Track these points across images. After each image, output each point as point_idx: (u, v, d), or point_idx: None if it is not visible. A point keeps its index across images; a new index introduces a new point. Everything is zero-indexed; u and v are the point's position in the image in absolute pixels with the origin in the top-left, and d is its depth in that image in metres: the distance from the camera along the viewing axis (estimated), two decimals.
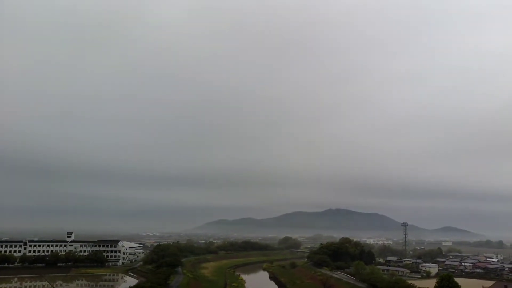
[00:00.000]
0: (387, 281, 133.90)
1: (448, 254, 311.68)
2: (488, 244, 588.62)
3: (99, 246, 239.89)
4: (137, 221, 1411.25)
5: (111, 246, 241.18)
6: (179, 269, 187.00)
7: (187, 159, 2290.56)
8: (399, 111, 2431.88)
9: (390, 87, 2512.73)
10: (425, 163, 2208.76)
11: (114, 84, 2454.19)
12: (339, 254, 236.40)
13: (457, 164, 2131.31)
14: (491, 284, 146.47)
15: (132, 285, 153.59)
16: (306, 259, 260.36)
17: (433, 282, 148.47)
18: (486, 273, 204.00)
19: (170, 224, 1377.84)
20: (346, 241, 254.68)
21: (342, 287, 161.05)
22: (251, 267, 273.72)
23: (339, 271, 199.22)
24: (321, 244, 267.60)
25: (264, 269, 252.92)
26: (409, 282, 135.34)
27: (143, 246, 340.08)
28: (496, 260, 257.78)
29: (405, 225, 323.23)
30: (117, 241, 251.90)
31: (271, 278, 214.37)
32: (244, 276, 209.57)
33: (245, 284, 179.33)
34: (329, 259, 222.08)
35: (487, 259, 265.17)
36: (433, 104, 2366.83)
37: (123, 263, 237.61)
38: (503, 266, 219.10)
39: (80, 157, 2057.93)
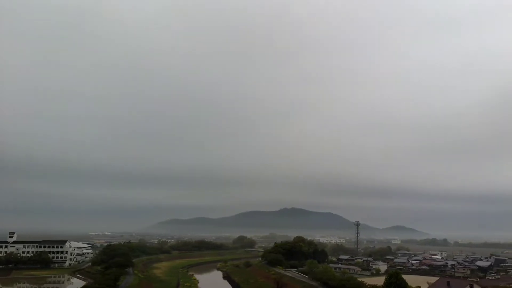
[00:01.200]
0: (338, 279, 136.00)
1: (397, 252, 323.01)
2: (433, 242, 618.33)
3: (44, 247, 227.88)
4: (87, 221, 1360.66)
5: (57, 247, 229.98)
6: (130, 269, 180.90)
7: (140, 157, 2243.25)
8: (356, 114, 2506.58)
9: (349, 89, 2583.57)
10: (379, 164, 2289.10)
11: (67, 79, 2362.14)
12: (293, 253, 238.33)
13: (408, 166, 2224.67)
14: (435, 280, 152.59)
15: (79, 287, 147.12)
16: (260, 258, 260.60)
17: (382, 279, 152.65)
18: (431, 270, 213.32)
19: (122, 223, 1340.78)
20: (300, 240, 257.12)
21: (295, 286, 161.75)
22: (205, 267, 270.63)
23: (292, 270, 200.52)
24: (276, 243, 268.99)
25: (218, 269, 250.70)
26: (360, 279, 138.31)
27: (92, 246, 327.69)
28: (440, 258, 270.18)
29: (357, 224, 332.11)
30: (64, 241, 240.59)
31: (224, 277, 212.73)
32: (197, 276, 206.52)
33: (198, 284, 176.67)
34: (283, 258, 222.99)
35: (433, 257, 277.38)
36: (389, 107, 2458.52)
37: (70, 264, 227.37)
38: (447, 263, 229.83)
39: (27, 152, 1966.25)
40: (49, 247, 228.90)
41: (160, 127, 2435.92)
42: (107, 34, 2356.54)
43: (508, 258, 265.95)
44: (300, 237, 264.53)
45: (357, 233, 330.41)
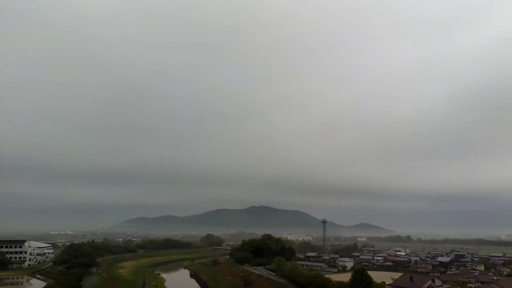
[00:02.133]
0: (306, 276, 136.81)
1: (363, 249, 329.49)
2: (397, 239, 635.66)
3: (2, 247, 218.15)
4: (48, 220, 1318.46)
5: (15, 247, 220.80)
6: (94, 269, 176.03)
7: (105, 154, 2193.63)
8: (323, 112, 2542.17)
9: (315, 89, 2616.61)
10: (345, 163, 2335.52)
11: (28, 72, 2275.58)
12: (261, 250, 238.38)
13: (374, 165, 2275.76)
14: (399, 276, 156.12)
15: None
16: (228, 257, 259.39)
17: (348, 275, 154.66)
18: (395, 266, 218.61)
19: (85, 222, 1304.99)
20: (268, 238, 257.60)
21: (262, 283, 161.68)
22: (172, 266, 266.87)
23: (260, 268, 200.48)
24: (244, 241, 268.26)
25: (185, 267, 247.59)
26: (327, 276, 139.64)
27: (54, 246, 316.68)
28: (404, 254, 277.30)
29: (324, 222, 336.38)
30: (23, 241, 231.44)
31: (192, 276, 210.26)
32: (164, 275, 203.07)
33: (165, 283, 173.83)
34: (251, 256, 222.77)
35: (397, 253, 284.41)
36: (355, 106, 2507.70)
37: (29, 264, 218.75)
38: (410, 259, 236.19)
39: None
40: (6, 247, 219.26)
41: (126, 124, 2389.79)
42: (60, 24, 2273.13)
43: (467, 254, 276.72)
44: (268, 235, 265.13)
45: (324, 231, 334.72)
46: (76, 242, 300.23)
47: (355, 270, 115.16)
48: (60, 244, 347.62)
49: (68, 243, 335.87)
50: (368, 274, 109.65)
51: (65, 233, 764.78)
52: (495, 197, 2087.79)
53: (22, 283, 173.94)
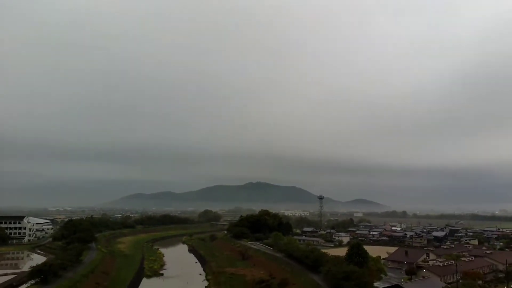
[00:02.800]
0: (302, 250, 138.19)
1: (359, 224, 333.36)
2: (393, 214, 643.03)
3: (1, 223, 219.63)
4: (46, 197, 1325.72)
5: (15, 223, 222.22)
6: (93, 244, 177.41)
7: (103, 132, 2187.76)
8: (321, 92, 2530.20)
9: (317, 70, 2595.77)
10: (342, 141, 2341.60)
11: (27, 53, 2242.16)
12: (258, 226, 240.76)
13: (371, 142, 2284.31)
14: (394, 250, 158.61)
15: (39, 263, 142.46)
16: (226, 232, 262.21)
17: (345, 250, 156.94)
18: (391, 240, 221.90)
19: (83, 199, 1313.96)
20: (265, 213, 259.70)
21: (260, 258, 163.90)
22: (170, 241, 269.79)
23: (258, 243, 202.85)
24: (241, 216, 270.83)
25: (183, 243, 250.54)
26: (323, 250, 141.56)
27: (53, 222, 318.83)
28: (399, 229, 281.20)
29: (320, 198, 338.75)
30: (22, 217, 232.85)
31: (190, 251, 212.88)
32: (162, 250, 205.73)
33: (164, 258, 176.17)
34: (248, 231, 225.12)
35: (392, 228, 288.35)
36: (352, 86, 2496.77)
37: (29, 240, 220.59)
38: (405, 234, 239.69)
39: None
40: (5, 223, 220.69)
41: (126, 105, 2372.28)
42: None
43: (462, 229, 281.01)
44: (265, 210, 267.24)
45: (321, 206, 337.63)
46: (74, 218, 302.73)
47: (351, 245, 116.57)
48: (59, 220, 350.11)
49: (66, 219, 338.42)
50: (364, 248, 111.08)
51: (64, 209, 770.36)
52: (491, 173, 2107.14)
53: (22, 258, 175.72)
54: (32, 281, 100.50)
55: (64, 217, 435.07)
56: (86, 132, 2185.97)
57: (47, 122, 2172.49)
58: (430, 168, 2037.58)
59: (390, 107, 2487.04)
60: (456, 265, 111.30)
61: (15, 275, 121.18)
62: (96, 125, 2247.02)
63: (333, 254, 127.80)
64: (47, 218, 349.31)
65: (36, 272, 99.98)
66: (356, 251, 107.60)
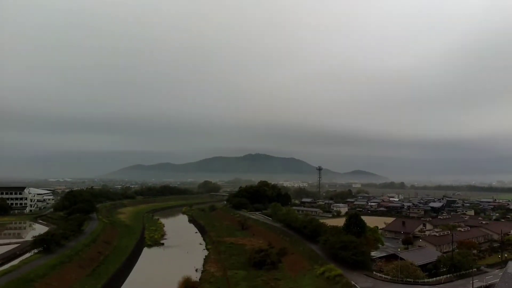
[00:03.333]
0: (300, 221, 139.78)
1: (357, 195, 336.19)
2: (392, 185, 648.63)
3: (2, 194, 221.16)
4: (47, 168, 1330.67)
5: (16, 193, 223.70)
6: (94, 215, 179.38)
7: (101, 103, 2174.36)
8: (320, 66, 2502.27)
9: (318, 41, 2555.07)
10: (342, 112, 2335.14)
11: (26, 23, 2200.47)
12: (258, 196, 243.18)
13: (370, 114, 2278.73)
14: (392, 220, 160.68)
15: (42, 233, 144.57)
16: (225, 202, 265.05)
17: (343, 220, 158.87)
18: (389, 211, 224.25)
19: (83, 170, 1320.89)
20: (264, 184, 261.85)
21: (259, 227, 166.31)
22: (170, 211, 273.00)
23: (257, 213, 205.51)
24: (241, 187, 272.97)
25: (183, 213, 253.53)
26: (321, 221, 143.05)
27: (54, 192, 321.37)
28: (397, 200, 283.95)
29: (319, 169, 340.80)
30: (23, 188, 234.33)
31: (190, 221, 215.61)
32: (163, 220, 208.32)
33: (164, 228, 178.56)
34: (247, 202, 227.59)
35: (390, 199, 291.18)
36: (354, 58, 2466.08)
37: (30, 210, 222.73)
38: (403, 205, 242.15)
39: None
40: (7, 193, 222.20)
41: (125, 78, 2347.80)
42: None
43: (459, 199, 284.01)
44: (264, 181, 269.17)
45: (319, 177, 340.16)
46: (75, 189, 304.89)
47: (349, 215, 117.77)
48: (59, 191, 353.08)
49: (67, 190, 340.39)
50: (361, 219, 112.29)
51: (64, 180, 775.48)
52: (488, 145, 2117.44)
53: (25, 228, 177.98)
54: (35, 250, 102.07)
55: (64, 188, 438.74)
56: (86, 104, 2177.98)
57: (47, 94, 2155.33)
58: (429, 140, 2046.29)
59: (390, 80, 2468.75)
60: (452, 235, 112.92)
61: (19, 244, 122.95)
62: (96, 97, 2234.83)
63: (331, 224, 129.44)
64: (48, 189, 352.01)
65: (39, 241, 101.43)
66: (354, 221, 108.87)
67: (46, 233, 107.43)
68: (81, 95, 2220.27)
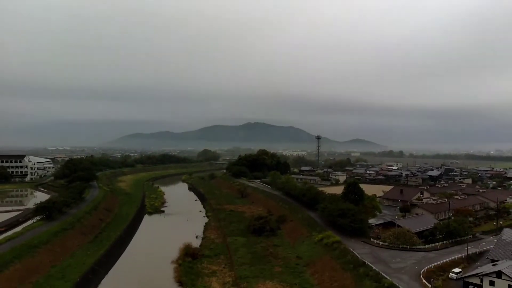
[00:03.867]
0: (299, 189, 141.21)
1: (356, 163, 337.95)
2: (390, 154, 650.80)
3: (2, 162, 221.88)
4: (46, 137, 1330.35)
5: (16, 161, 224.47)
6: (94, 183, 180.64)
7: (99, 71, 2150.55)
8: (320, 33, 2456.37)
9: (321, 8, 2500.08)
10: (341, 81, 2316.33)
11: None
12: (257, 165, 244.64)
13: (368, 83, 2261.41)
14: (390, 189, 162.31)
15: (43, 200, 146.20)
16: (225, 171, 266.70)
17: (341, 188, 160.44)
18: (387, 179, 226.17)
19: (83, 138, 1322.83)
20: (263, 152, 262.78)
21: (258, 195, 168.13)
22: (170, 180, 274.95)
23: (256, 181, 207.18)
24: (240, 156, 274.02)
25: (183, 181, 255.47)
26: (320, 189, 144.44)
27: (54, 161, 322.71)
28: (396, 168, 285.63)
29: (318, 138, 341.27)
30: (23, 156, 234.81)
31: (190, 189, 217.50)
32: (163, 188, 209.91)
33: (164, 196, 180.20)
34: (247, 170, 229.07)
35: (389, 167, 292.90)
36: (354, 26, 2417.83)
37: (31, 178, 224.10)
38: (401, 173, 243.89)
39: None
40: (7, 161, 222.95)
41: (125, 46, 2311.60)
42: None
43: (457, 168, 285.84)
44: (263, 150, 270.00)
45: (318, 146, 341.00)
46: (75, 157, 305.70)
47: (347, 183, 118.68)
48: (59, 159, 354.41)
49: (67, 159, 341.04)
50: (360, 187, 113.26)
51: (63, 148, 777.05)
52: (486, 114, 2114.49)
53: (26, 196, 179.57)
54: (38, 217, 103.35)
55: (64, 156, 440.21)
56: (87, 72, 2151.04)
57: (46, 62, 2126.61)
58: (427, 109, 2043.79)
59: (394, 49, 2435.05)
60: (449, 203, 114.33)
61: (21, 212, 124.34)
62: (95, 65, 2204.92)
63: (330, 192, 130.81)
64: (48, 157, 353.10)
65: (41, 208, 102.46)
66: (353, 190, 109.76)
67: (48, 201, 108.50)
68: (82, 63, 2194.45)
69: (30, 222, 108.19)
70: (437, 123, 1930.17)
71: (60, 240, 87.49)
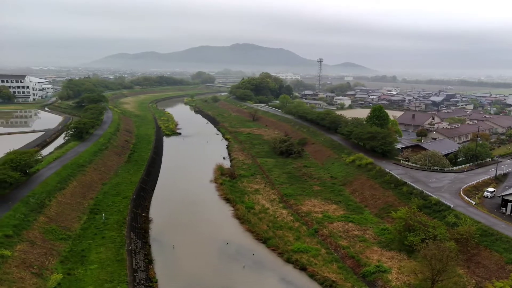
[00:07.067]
0: (317, 113, 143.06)
1: (355, 88, 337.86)
2: (383, 78, 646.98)
3: (3, 81, 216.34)
4: (26, 54, 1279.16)
5: (17, 81, 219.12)
6: (104, 105, 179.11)
7: None
8: None
9: None
10: None
11: None
12: (260, 88, 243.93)
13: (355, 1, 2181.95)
14: (401, 114, 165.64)
15: (61, 121, 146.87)
16: (227, 94, 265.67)
17: (347, 112, 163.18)
18: (390, 104, 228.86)
19: (65, 57, 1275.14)
20: (266, 76, 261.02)
21: (270, 119, 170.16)
22: (171, 101, 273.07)
23: (262, 105, 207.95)
24: (243, 78, 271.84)
25: (186, 103, 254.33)
26: None
27: (53, 81, 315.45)
28: (395, 93, 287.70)
29: (320, 61, 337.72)
30: (23, 76, 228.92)
31: (196, 112, 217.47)
32: (168, 110, 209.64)
33: (174, 118, 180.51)
34: (252, 94, 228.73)
35: (389, 92, 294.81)
36: None
37: (34, 99, 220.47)
38: (404, 98, 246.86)
39: None
40: (7, 81, 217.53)
41: None
42: None
43: (457, 94, 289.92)
44: (266, 73, 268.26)
45: (320, 70, 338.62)
46: (66, 78, 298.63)
47: (373, 107, 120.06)
48: (51, 80, 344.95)
49: (58, 79, 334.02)
50: (385, 111, 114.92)
51: (47, 68, 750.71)
52: (476, 38, 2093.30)
53: (30, 117, 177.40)
54: (68, 137, 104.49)
55: (54, 76, 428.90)
56: None
57: None
58: (419, 31, 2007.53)
59: None
60: (478, 127, 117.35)
61: (43, 132, 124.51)
62: None
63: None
64: (41, 77, 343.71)
65: (73, 129, 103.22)
66: (378, 114, 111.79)
67: (78, 122, 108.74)
68: None
69: (57, 142, 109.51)
70: (426, 46, 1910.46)
71: (101, 160, 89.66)
